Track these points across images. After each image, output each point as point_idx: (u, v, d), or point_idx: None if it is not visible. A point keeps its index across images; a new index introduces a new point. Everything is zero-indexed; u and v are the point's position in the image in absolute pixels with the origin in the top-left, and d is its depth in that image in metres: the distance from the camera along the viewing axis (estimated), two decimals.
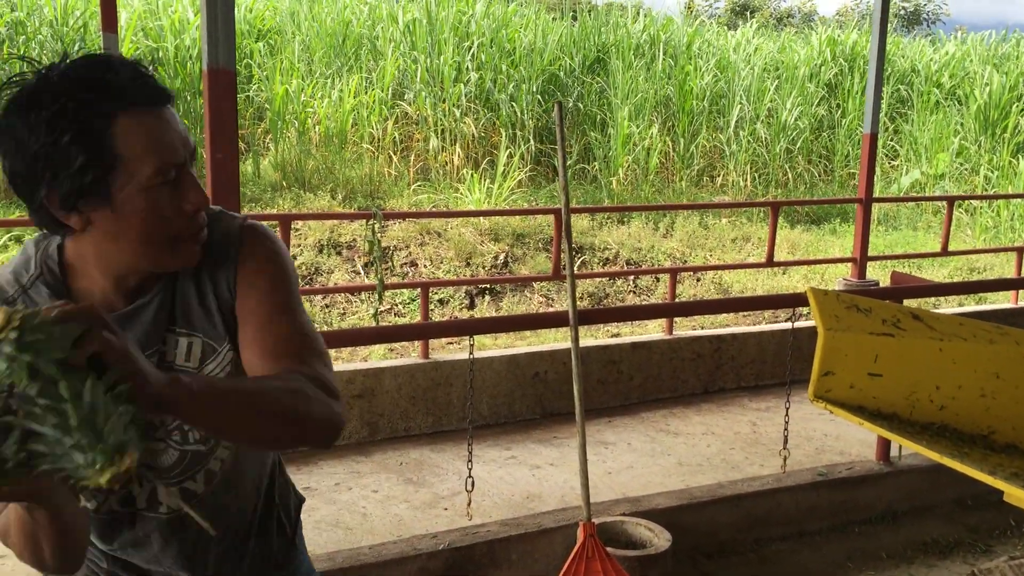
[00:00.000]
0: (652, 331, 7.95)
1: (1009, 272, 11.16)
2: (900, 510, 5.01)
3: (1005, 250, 9.99)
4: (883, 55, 7.62)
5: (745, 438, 6.08)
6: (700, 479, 5.22)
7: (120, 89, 1.41)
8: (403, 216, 10.10)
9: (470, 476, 3.67)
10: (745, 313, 9.45)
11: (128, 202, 1.44)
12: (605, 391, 6.64)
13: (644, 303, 10.01)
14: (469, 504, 3.79)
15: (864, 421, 2.06)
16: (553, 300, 9.92)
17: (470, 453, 3.71)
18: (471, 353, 3.52)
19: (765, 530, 4.70)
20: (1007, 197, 13.61)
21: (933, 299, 9.36)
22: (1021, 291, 8.75)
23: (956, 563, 4.62)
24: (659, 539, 3.88)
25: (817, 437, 6.01)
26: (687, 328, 8.23)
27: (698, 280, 10.81)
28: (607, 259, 11.03)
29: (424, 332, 4.78)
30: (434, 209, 11.05)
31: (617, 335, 8.27)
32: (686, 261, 11.18)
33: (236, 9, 7.64)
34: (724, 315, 9.26)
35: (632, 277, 10.48)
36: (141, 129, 1.43)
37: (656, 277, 10.52)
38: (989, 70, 16.92)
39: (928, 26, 32.82)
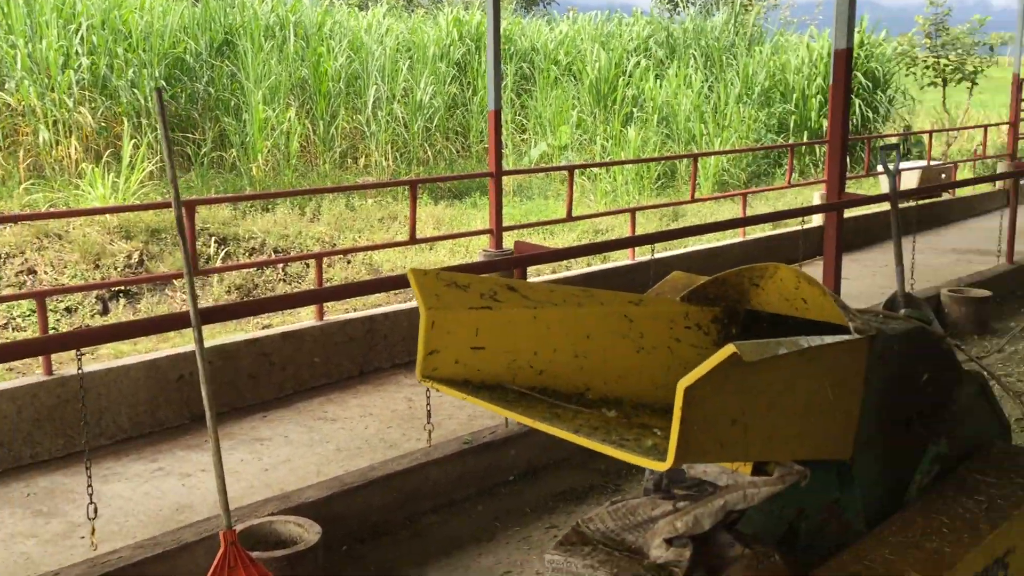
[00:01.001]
0: (304, 318, 7.83)
1: (627, 232, 12.28)
2: (540, 465, 5.34)
3: (622, 212, 10.95)
4: (499, 35, 8.00)
5: (402, 415, 6.17)
6: (359, 462, 5.22)
7: None
8: (14, 219, 9.10)
9: (91, 503, 3.38)
10: (395, 292, 9.60)
11: None
12: (258, 385, 6.43)
13: (295, 291, 9.83)
14: (93, 533, 3.49)
15: (468, 395, 2.13)
16: (199, 296, 9.45)
17: (89, 478, 3.41)
18: (79, 368, 3.23)
19: (416, 505, 4.80)
20: (620, 163, 14.93)
21: (565, 262, 10.07)
22: (636, 248, 9.63)
23: (591, 505, 5.01)
24: (308, 534, 3.82)
25: (469, 404, 6.23)
26: (339, 312, 8.19)
27: (348, 262, 10.80)
28: (254, 248, 10.69)
29: (30, 348, 4.32)
30: (51, 209, 10.06)
31: (268, 326, 8.05)
32: (336, 244, 11.12)
33: None
34: (376, 295, 9.33)
35: (281, 265, 10.25)
36: None
37: (306, 263, 10.36)
38: (597, 48, 18.42)
39: (544, 6, 35.10)
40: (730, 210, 14.21)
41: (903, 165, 14.60)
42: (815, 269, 8.44)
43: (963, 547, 2.19)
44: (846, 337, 2.18)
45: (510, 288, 2.33)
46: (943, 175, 15.02)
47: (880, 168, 14.29)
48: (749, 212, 12.33)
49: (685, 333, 2.57)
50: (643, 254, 9.64)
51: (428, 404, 4.64)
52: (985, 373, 2.71)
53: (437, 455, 4.91)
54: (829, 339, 2.09)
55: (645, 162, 14.81)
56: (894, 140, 16.97)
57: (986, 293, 8.14)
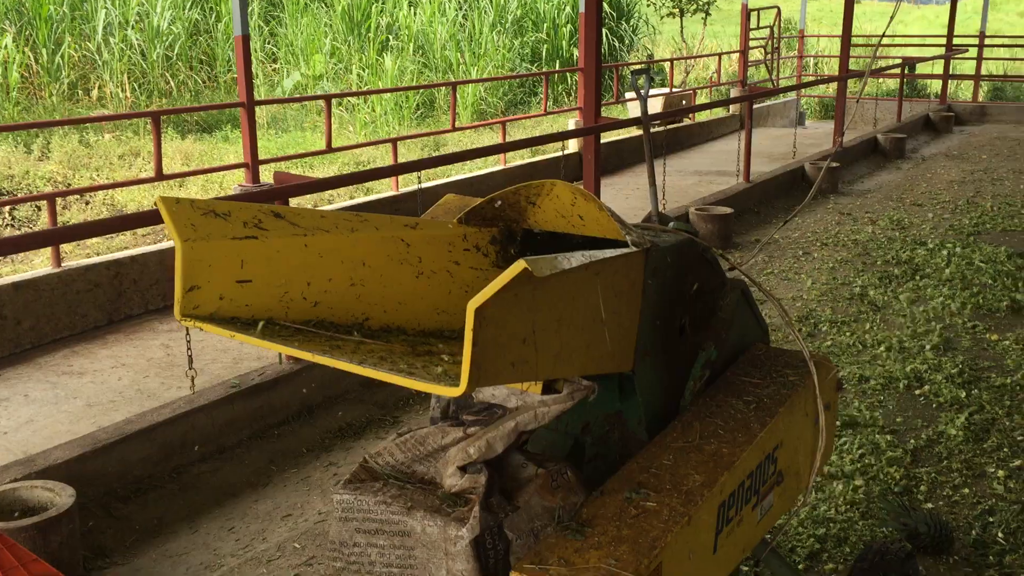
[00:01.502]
0: (39, 266, 7.12)
1: (388, 163, 12.08)
2: (315, 403, 5.16)
3: (383, 142, 10.72)
4: None
5: (159, 363, 5.76)
6: (114, 417, 4.83)
7: None
8: None
9: None
10: (144, 232, 8.93)
11: None
12: None
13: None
14: None
15: (236, 333, 1.95)
16: None
17: None
18: None
19: (183, 456, 4.51)
20: (379, 92, 14.61)
21: (328, 194, 9.75)
22: (401, 178, 9.47)
23: (371, 440, 4.91)
24: (60, 498, 3.48)
25: (234, 347, 5.91)
26: (79, 257, 7.52)
27: (87, 203, 9.93)
28: None
29: None
30: None
31: None
32: (70, 184, 10.19)
33: None
34: (122, 237, 8.65)
35: (7, 209, 9.26)
36: None
37: (36, 205, 9.42)
38: None
39: None
40: (490, 138, 14.30)
41: (657, 91, 15.24)
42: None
43: (739, 447, 2.28)
44: (625, 250, 2.17)
45: (276, 215, 2.14)
46: (683, 101, 15.81)
47: (629, 95, 14.82)
48: (509, 140, 12.45)
49: (464, 256, 2.49)
50: (407, 185, 9.50)
51: (189, 349, 4.33)
52: (747, 280, 2.82)
53: (202, 402, 4.62)
54: (610, 252, 2.07)
55: (404, 91, 14.58)
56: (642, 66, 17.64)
57: (728, 210, 8.67)
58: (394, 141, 10.32)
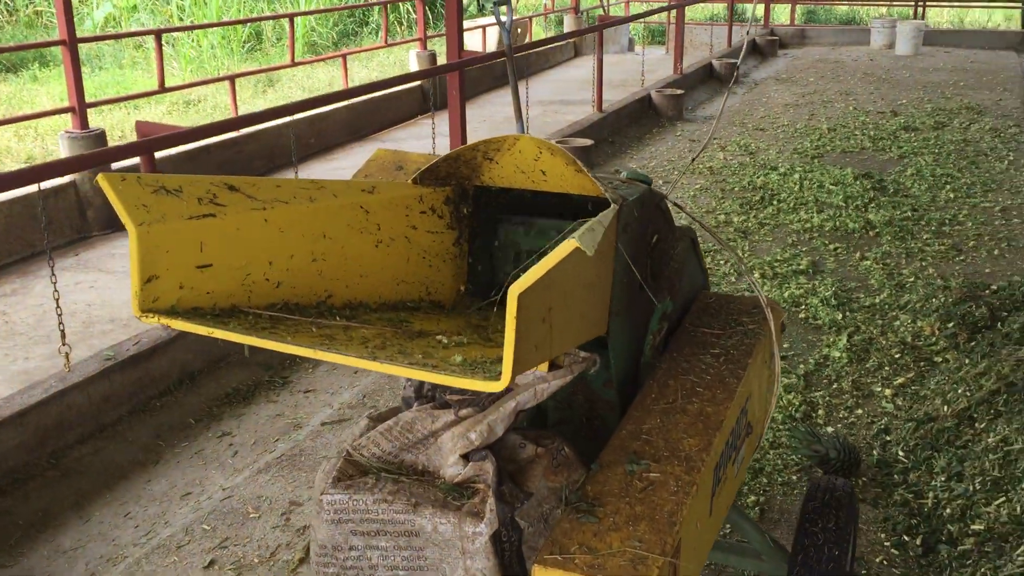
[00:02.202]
0: None
1: (223, 102, 11.39)
2: (197, 369, 4.83)
3: (220, 80, 10.08)
4: None
5: (15, 336, 5.23)
6: None
7: None
8: None
9: None
10: None
11: None
12: None
13: None
14: None
15: (201, 326, 1.71)
16: None
17: None
18: None
19: (61, 438, 4.12)
20: (210, 26, 13.71)
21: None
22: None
23: (261, 405, 4.65)
24: None
25: (81, 310, 5.43)
26: None
27: None
28: None
29: None
30: None
31: None
32: None
33: None
34: None
35: None
36: None
37: None
38: None
39: None
40: (325, 72, 13.73)
41: (484, 21, 14.99)
42: (429, 127, 8.41)
43: (722, 404, 2.23)
44: (614, 209, 2.06)
45: (231, 187, 1.89)
46: (519, 29, 15.65)
47: (484, 21, 14.52)
48: (349, 73, 11.97)
49: (421, 219, 2.31)
50: (247, 126, 8.97)
51: (61, 324, 3.92)
52: (700, 226, 2.76)
53: (76, 378, 4.22)
54: (608, 214, 1.95)
55: (235, 24, 13.72)
56: None
57: (588, 142, 8.67)
58: (231, 78, 9.74)
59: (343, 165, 9.34)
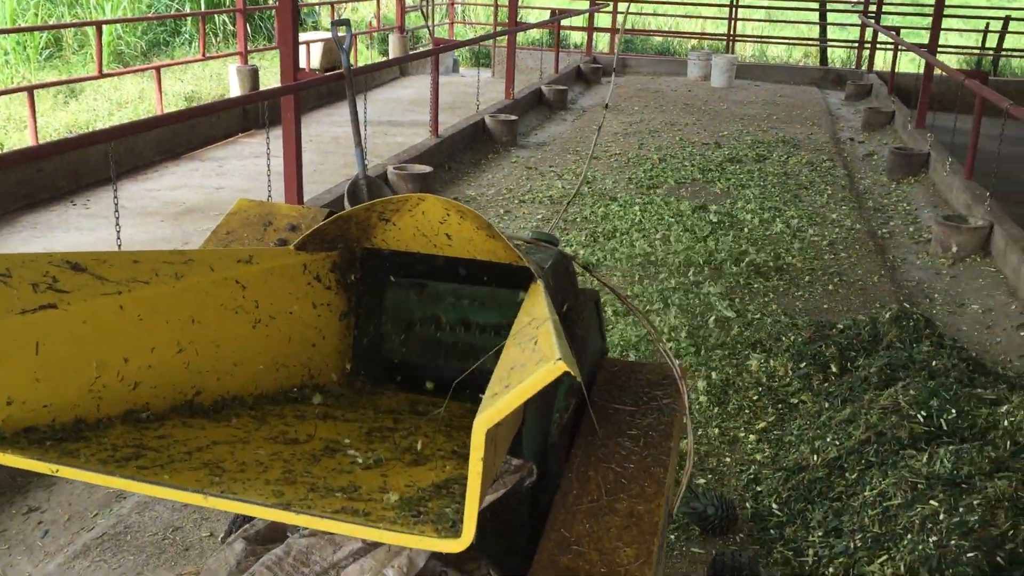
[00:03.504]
0: None
1: (18, 114, 10.36)
2: None
3: (16, 91, 9.11)
4: None
5: None
6: None
7: None
8: None
9: None
10: None
11: None
12: None
13: None
14: None
15: (41, 462, 1.28)
16: None
17: None
18: None
19: None
20: (3, 32, 12.44)
21: None
22: (40, 131, 8.09)
23: None
24: None
25: None
26: None
27: None
28: None
29: None
30: None
31: None
32: None
33: None
34: None
35: None
36: None
37: None
38: None
39: None
40: (134, 83, 12.78)
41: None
42: (260, 144, 7.70)
43: (653, 501, 1.99)
44: (541, 286, 1.77)
45: (75, 267, 1.47)
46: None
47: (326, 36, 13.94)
48: (164, 86, 11.16)
49: (305, 291, 1.94)
50: (47, 136, 8.12)
51: None
52: (610, 291, 2.51)
53: None
54: (542, 294, 1.65)
55: (34, 31, 12.52)
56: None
57: (428, 168, 8.37)
58: (30, 89, 8.84)
59: (158, 186, 8.63)
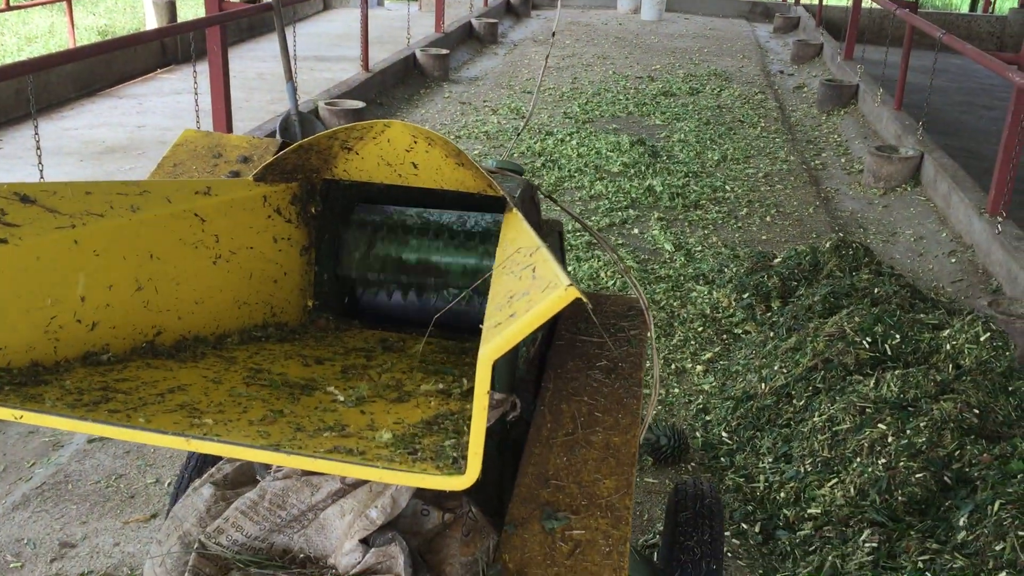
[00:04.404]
0: None
1: None
2: None
3: None
4: None
5: None
6: None
7: None
8: None
9: None
10: None
11: None
12: None
13: None
14: None
15: (4, 407, 1.19)
16: None
17: None
18: None
19: None
20: None
21: None
22: None
23: (8, 421, 3.88)
24: None
25: None
26: None
27: None
28: None
29: None
30: None
31: None
32: None
33: None
34: None
35: None
36: None
37: None
38: None
39: None
40: (42, 17, 12.17)
41: None
42: (181, 80, 7.32)
43: (628, 432, 1.96)
44: (520, 216, 1.70)
45: (24, 198, 1.35)
46: None
47: None
48: (76, 16, 10.64)
49: (265, 224, 1.83)
50: None
51: None
52: (575, 220, 2.46)
53: None
54: (523, 223, 1.58)
55: None
56: None
57: (360, 104, 8.16)
58: None
59: (75, 125, 8.26)
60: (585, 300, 1.12)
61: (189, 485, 2.40)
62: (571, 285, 1.09)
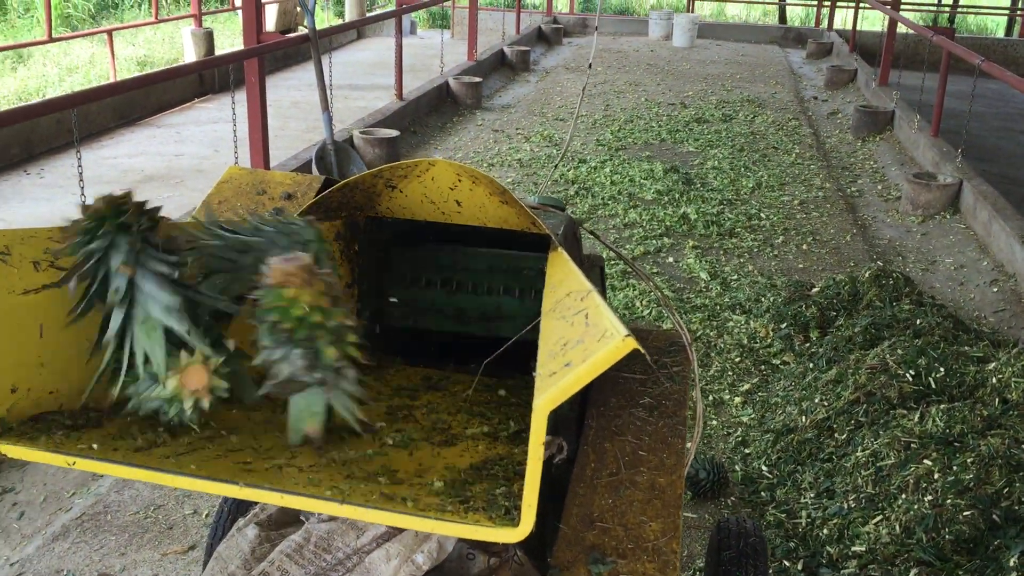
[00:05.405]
0: None
1: None
2: None
3: None
4: None
5: None
6: None
7: None
8: None
9: None
10: None
11: None
12: None
13: None
14: None
15: (54, 451, 1.18)
16: None
17: None
18: None
19: None
20: None
21: None
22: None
23: None
24: None
25: None
26: None
27: None
28: None
29: None
30: None
31: None
32: None
33: None
34: None
35: None
36: None
37: None
38: None
39: None
40: (83, 48, 12.39)
41: None
42: (218, 110, 7.41)
43: (673, 473, 1.93)
44: (566, 256, 1.69)
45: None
46: (296, 8, 14.85)
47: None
48: (116, 51, 10.82)
49: None
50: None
51: None
52: (618, 256, 2.44)
53: None
54: (570, 263, 1.57)
55: None
56: None
57: (394, 133, 8.21)
58: None
59: (114, 153, 8.38)
60: (643, 351, 1.10)
61: (228, 518, 2.40)
62: (628, 336, 1.07)
